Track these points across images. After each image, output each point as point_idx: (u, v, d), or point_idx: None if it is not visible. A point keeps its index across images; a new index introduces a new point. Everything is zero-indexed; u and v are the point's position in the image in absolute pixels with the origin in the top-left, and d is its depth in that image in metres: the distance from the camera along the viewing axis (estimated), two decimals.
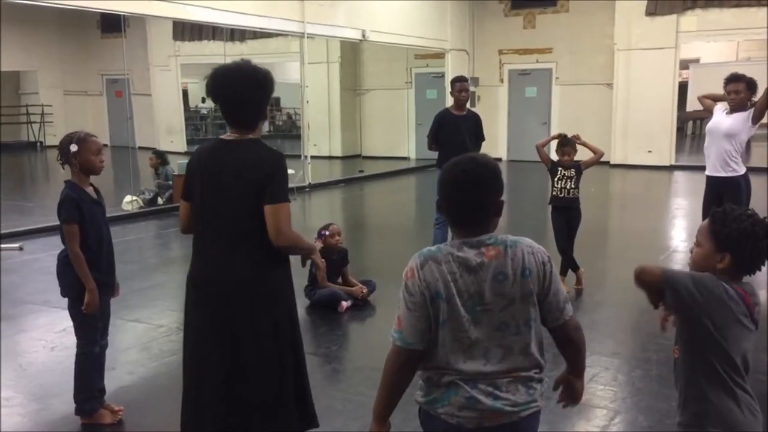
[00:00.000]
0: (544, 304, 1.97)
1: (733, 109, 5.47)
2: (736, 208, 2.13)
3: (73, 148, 3.41)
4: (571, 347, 2.08)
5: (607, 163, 15.82)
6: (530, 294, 1.94)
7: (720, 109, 5.64)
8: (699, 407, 2.08)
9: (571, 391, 2.16)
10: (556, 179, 5.89)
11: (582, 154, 5.96)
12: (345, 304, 5.51)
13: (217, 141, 2.80)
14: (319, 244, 5.70)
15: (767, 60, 13.09)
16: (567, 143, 5.88)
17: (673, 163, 15.57)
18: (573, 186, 5.86)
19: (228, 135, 2.76)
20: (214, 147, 2.78)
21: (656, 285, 2.03)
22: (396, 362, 1.97)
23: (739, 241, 2.05)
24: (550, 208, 6.07)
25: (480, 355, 1.94)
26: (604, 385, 4.10)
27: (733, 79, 5.47)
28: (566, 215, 5.93)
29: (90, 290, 3.41)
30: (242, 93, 2.67)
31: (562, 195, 5.88)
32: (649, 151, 15.51)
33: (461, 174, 1.96)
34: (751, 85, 5.42)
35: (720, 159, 5.52)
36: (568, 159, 5.86)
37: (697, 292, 1.98)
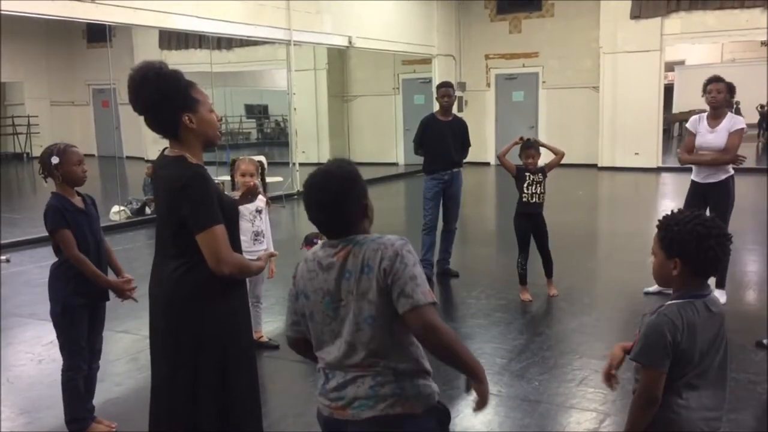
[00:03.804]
0: (392, 295, 1.92)
1: (712, 107, 5.54)
2: (681, 212, 2.10)
3: (54, 160, 3.40)
4: (427, 347, 1.95)
5: (594, 165, 15.92)
6: (368, 291, 1.95)
7: (698, 124, 5.65)
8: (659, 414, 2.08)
9: (476, 394, 1.98)
10: (525, 185, 5.76)
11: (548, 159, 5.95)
12: None
13: (159, 154, 2.63)
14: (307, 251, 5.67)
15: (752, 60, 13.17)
16: (530, 146, 5.80)
17: (660, 165, 15.67)
18: (542, 191, 5.79)
19: (168, 149, 2.59)
20: (157, 161, 2.62)
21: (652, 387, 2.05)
22: (291, 346, 2.25)
23: (684, 244, 2.01)
24: (514, 214, 5.92)
25: (336, 348, 2.02)
26: (594, 388, 4.10)
27: (715, 80, 5.56)
28: (534, 221, 5.84)
29: (108, 284, 3.52)
30: (134, 93, 2.47)
31: (533, 201, 5.79)
32: (636, 154, 15.61)
33: (319, 194, 2.04)
34: (731, 88, 5.53)
35: (713, 168, 5.56)
36: (533, 162, 5.77)
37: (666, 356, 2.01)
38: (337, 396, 2.01)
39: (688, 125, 5.83)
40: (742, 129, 5.54)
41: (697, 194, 5.63)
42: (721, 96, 5.48)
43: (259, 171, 4.83)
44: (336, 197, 2.01)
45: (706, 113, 5.66)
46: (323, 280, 2.02)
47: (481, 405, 1.96)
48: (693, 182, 5.74)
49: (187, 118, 2.50)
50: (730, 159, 5.49)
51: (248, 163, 4.73)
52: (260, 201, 4.80)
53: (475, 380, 1.94)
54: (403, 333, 1.98)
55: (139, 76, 2.46)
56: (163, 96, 2.45)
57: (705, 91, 5.56)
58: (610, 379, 2.32)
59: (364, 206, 2.06)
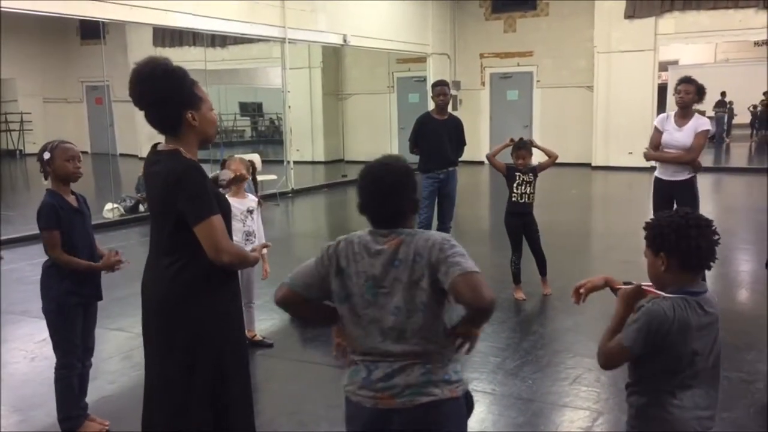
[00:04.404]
0: (439, 276, 2.01)
1: (680, 107, 5.63)
2: (666, 212, 2.14)
3: (46, 155, 3.40)
4: (471, 309, 2.00)
5: (588, 164, 15.96)
6: (421, 278, 2.03)
7: (665, 122, 5.72)
8: (648, 413, 2.11)
9: (467, 333, 2.11)
10: (515, 185, 5.79)
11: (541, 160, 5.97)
12: None
13: (150, 150, 2.60)
14: None
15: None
16: (523, 146, 5.81)
17: (653, 164, 15.66)
18: (532, 191, 5.81)
19: (161, 144, 2.59)
20: (148, 157, 2.60)
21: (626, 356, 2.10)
22: (281, 299, 2.17)
23: (665, 237, 2.05)
24: (504, 214, 5.96)
25: (377, 334, 2.07)
26: (587, 387, 4.12)
27: (686, 80, 5.64)
28: (524, 220, 5.86)
29: (98, 268, 3.49)
30: (139, 89, 2.46)
31: (523, 201, 5.80)
32: (630, 153, 15.60)
33: (375, 185, 2.12)
34: (700, 90, 5.61)
35: (679, 166, 5.64)
36: (523, 163, 5.78)
37: (653, 341, 2.02)
38: (385, 386, 2.05)
39: (655, 122, 5.89)
40: (707, 130, 5.68)
41: (663, 192, 5.71)
42: (689, 96, 5.58)
43: (250, 170, 4.80)
44: (391, 189, 2.10)
45: (673, 112, 5.75)
46: (369, 265, 2.08)
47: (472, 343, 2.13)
48: (658, 179, 5.82)
49: (190, 115, 2.50)
50: (692, 158, 5.59)
51: (239, 163, 4.71)
52: (251, 201, 4.78)
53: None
54: (445, 319, 2.09)
55: (147, 72, 2.46)
56: (170, 93, 2.46)
57: (675, 90, 5.66)
58: (578, 295, 2.33)
59: (416, 201, 2.17)
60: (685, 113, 5.65)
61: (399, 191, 2.11)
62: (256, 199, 4.88)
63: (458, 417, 2.11)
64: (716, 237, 2.07)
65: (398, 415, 2.03)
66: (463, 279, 1.94)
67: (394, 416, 2.03)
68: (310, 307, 2.21)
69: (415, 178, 2.18)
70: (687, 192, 5.59)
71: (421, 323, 2.03)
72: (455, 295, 1.97)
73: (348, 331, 2.14)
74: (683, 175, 5.63)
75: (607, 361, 2.14)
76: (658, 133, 5.76)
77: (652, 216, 2.20)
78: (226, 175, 4.34)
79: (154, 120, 2.51)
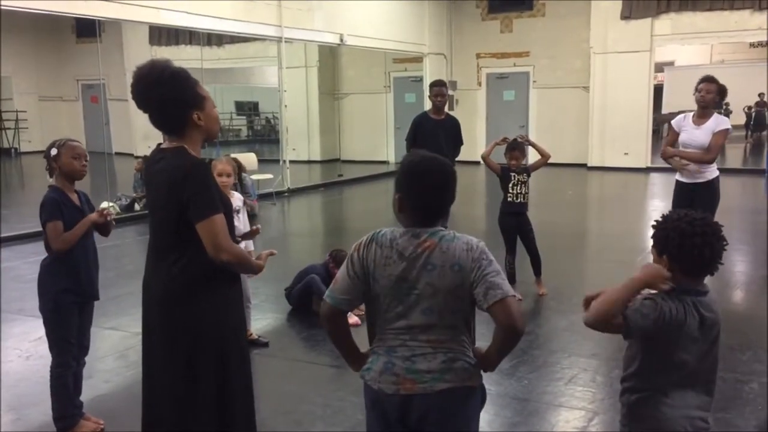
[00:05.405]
0: (475, 294, 2.06)
1: (699, 106, 5.56)
2: (677, 212, 2.11)
3: (53, 152, 3.43)
4: (504, 335, 2.07)
5: (584, 165, 15.99)
6: (458, 286, 2.06)
7: (683, 122, 5.67)
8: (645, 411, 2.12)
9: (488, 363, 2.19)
10: (511, 185, 5.81)
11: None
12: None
13: (155, 149, 2.63)
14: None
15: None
16: (516, 147, 5.83)
17: (649, 165, 15.74)
18: (527, 191, 5.84)
19: (165, 142, 2.60)
20: (152, 155, 2.63)
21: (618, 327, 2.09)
22: (325, 315, 2.21)
23: (668, 241, 2.04)
24: (499, 214, 5.99)
25: (404, 327, 2.12)
26: (582, 387, 4.13)
27: (708, 79, 5.58)
28: (518, 220, 5.88)
29: (88, 221, 3.45)
30: (145, 93, 2.48)
31: (518, 200, 5.83)
32: (626, 154, 15.67)
33: (429, 174, 2.14)
34: (721, 90, 5.57)
35: (700, 167, 5.56)
36: (516, 164, 5.80)
37: (645, 324, 2.01)
38: (407, 370, 2.09)
39: (672, 122, 5.81)
40: (727, 130, 5.58)
41: (684, 194, 5.63)
42: (709, 96, 5.51)
43: (236, 170, 4.81)
44: (445, 182, 2.15)
45: (692, 112, 5.68)
46: (401, 269, 2.09)
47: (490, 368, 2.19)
48: (678, 182, 5.74)
49: (196, 115, 2.53)
50: (710, 159, 5.53)
51: (225, 163, 4.71)
52: (238, 200, 4.78)
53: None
54: (473, 317, 2.17)
55: (154, 77, 2.47)
56: (176, 95, 2.48)
57: (696, 89, 5.58)
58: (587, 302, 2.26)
59: (454, 195, 2.20)
60: (704, 113, 5.57)
61: (450, 185, 2.16)
62: (242, 198, 4.89)
63: (474, 407, 2.17)
64: (723, 243, 2.04)
65: (418, 400, 2.08)
66: (502, 306, 2.00)
67: (415, 401, 2.08)
68: (349, 333, 2.27)
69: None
70: (707, 193, 5.52)
71: (452, 323, 2.10)
72: (491, 316, 2.03)
73: (372, 321, 2.21)
74: (705, 177, 5.56)
75: (598, 325, 2.10)
76: (674, 132, 5.70)
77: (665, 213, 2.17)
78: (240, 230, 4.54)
79: (159, 122, 2.53)
